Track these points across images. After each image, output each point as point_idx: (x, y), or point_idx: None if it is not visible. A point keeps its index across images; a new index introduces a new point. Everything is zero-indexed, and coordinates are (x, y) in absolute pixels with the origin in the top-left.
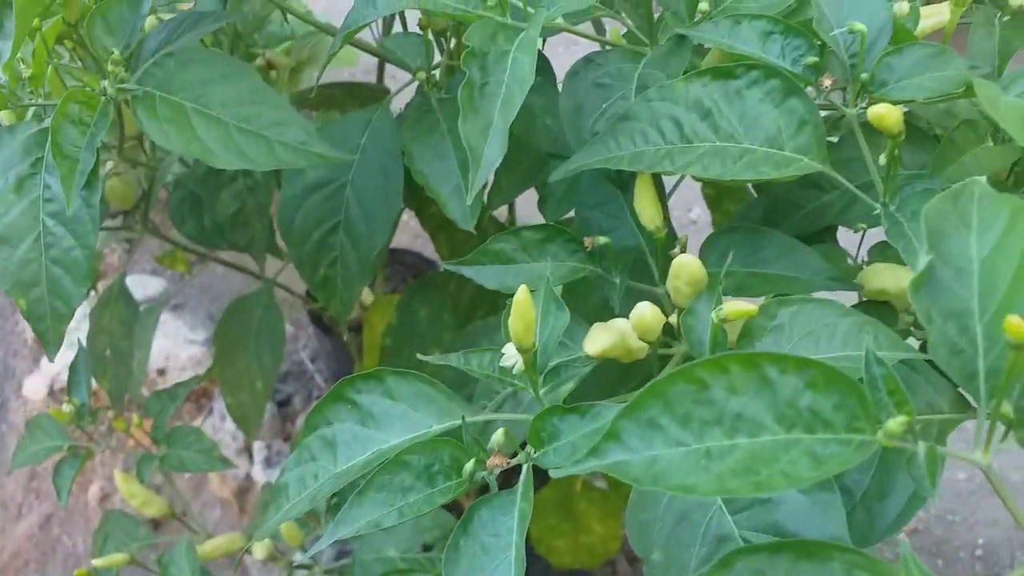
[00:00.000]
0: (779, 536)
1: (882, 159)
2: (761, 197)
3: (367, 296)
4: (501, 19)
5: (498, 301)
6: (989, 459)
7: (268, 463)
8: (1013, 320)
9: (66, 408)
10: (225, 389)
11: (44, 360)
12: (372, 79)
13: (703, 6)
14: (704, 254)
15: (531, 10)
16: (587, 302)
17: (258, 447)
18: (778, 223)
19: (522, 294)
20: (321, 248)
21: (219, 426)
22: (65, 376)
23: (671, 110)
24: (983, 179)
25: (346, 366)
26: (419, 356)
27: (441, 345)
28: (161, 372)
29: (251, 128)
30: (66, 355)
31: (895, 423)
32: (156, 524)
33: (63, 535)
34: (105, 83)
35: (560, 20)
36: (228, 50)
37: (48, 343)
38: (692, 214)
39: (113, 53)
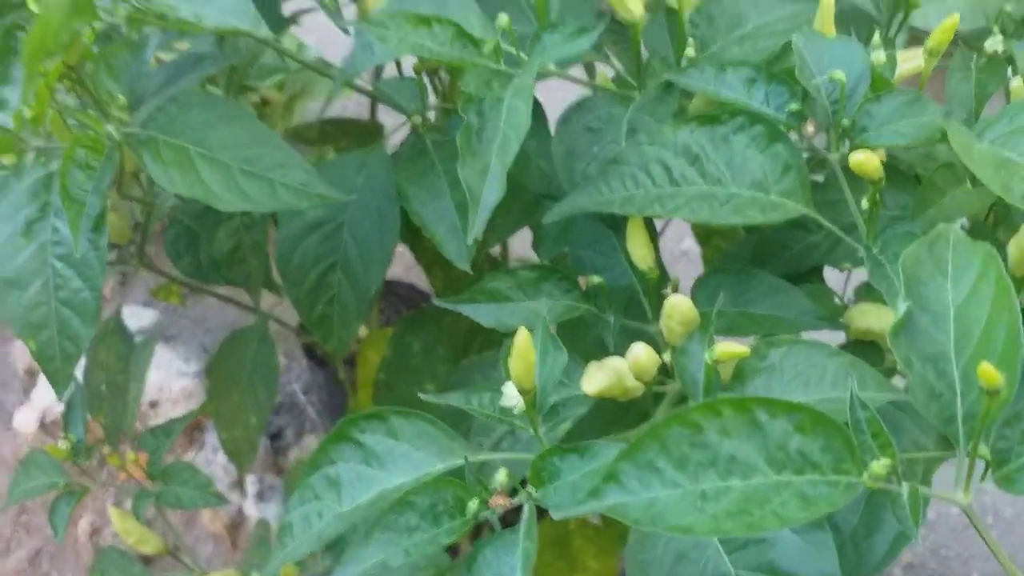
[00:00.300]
0: (774, 575)
1: (864, 203)
2: (750, 237)
3: (361, 330)
4: (496, 66)
5: (493, 334)
6: (969, 499)
7: (260, 497)
8: (986, 368)
9: (62, 444)
10: (219, 424)
11: (35, 392)
12: (365, 109)
13: (690, 52)
14: (695, 294)
15: (524, 56)
16: (582, 339)
17: (250, 481)
18: (767, 263)
19: (522, 336)
20: (319, 287)
21: (211, 459)
22: (57, 409)
23: (660, 154)
24: (957, 226)
25: (339, 399)
26: (421, 396)
27: (435, 379)
28: (153, 404)
29: (254, 170)
30: None
31: (879, 465)
32: (147, 560)
33: (52, 571)
34: (110, 128)
35: (551, 66)
36: (224, 85)
37: (57, 383)
38: (683, 245)
39: (118, 99)
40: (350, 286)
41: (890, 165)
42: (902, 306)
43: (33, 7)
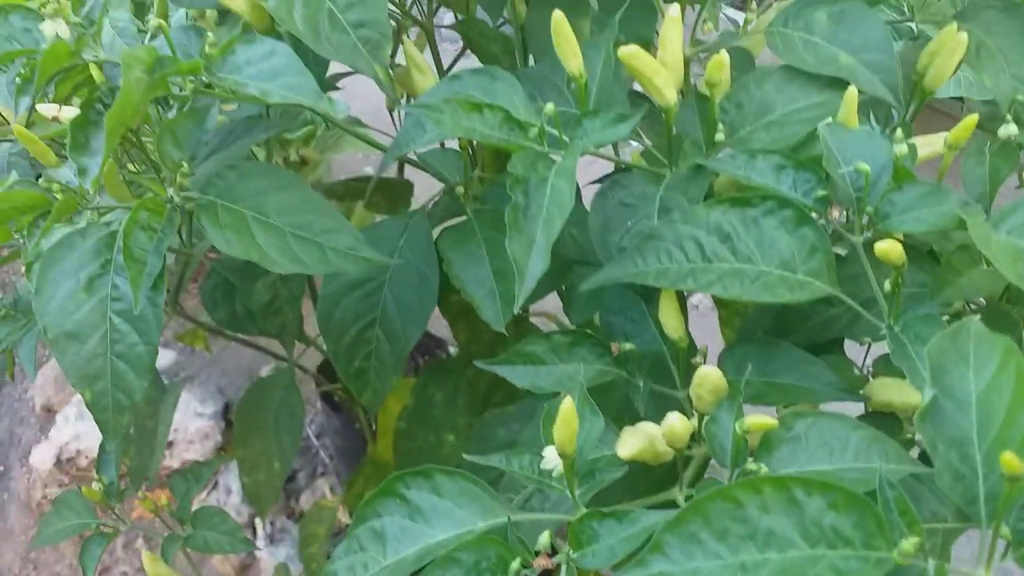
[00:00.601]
0: None
1: (887, 285)
2: (772, 305)
3: None
4: (540, 148)
5: (514, 389)
6: None
7: (271, 539)
8: (1009, 457)
9: (95, 486)
10: (243, 469)
11: (53, 429)
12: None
13: (719, 136)
14: (723, 363)
15: (567, 139)
16: (610, 400)
17: (261, 523)
18: (789, 332)
19: (568, 405)
20: (358, 342)
21: (224, 500)
22: (73, 447)
23: (693, 232)
24: (977, 319)
25: (353, 443)
26: (465, 456)
27: (456, 430)
28: (168, 444)
29: (306, 235)
30: (76, 426)
31: (909, 544)
32: None
33: None
34: (171, 191)
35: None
36: (265, 141)
37: (108, 433)
38: (694, 299)
39: (182, 166)
40: (388, 342)
41: (907, 244)
42: (928, 393)
43: (95, 75)
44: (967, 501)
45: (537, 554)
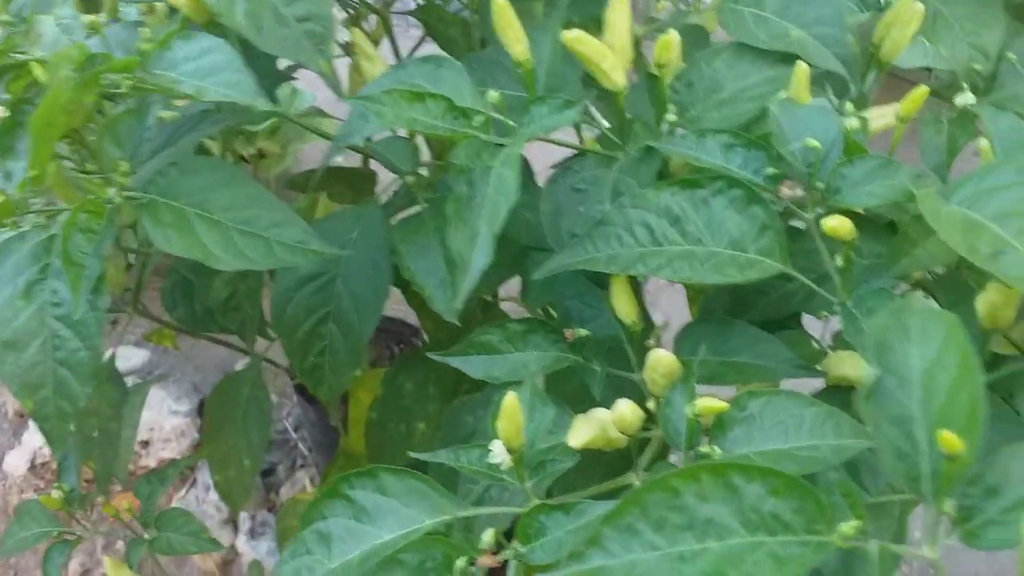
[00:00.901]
0: None
1: (839, 260)
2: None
3: None
4: (486, 137)
5: None
6: (936, 554)
7: (252, 534)
8: (946, 435)
9: (55, 494)
10: (213, 467)
11: (26, 435)
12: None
13: (670, 117)
14: (678, 344)
15: (512, 124)
16: (566, 385)
17: (242, 518)
18: (746, 310)
19: (510, 399)
20: (311, 337)
21: (203, 497)
22: (47, 451)
23: (643, 216)
24: (920, 294)
25: (330, 435)
26: (411, 454)
27: (427, 418)
28: (144, 444)
29: (250, 230)
30: None
31: (848, 526)
32: None
33: None
34: (112, 191)
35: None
36: (220, 133)
37: (53, 441)
38: None
39: (122, 165)
40: (343, 336)
41: (864, 216)
42: (871, 373)
43: (39, 74)
44: (911, 480)
45: (481, 551)
